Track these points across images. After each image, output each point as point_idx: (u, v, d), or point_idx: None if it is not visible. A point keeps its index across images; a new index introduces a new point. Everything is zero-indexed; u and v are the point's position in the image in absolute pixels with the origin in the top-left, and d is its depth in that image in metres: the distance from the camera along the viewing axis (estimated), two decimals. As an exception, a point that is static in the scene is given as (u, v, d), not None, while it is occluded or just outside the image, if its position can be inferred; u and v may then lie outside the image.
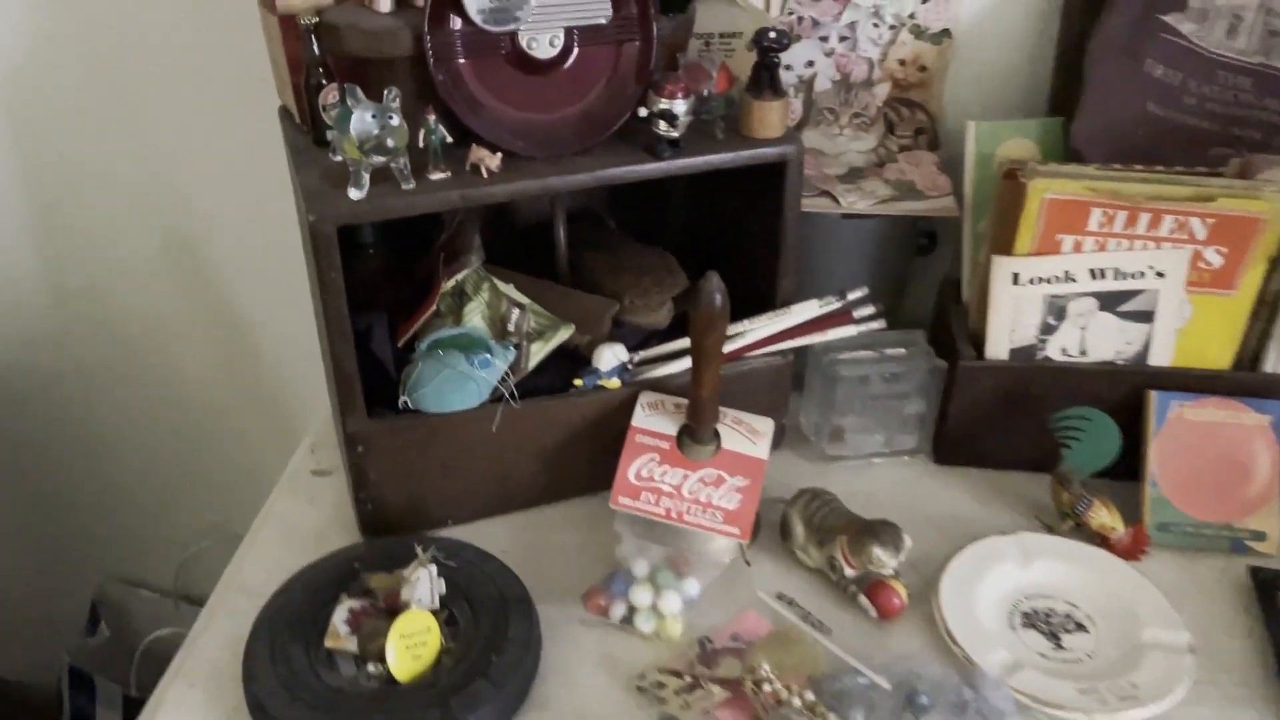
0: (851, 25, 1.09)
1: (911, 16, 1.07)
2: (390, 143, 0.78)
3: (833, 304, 0.97)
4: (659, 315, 1.01)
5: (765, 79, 0.88)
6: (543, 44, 0.85)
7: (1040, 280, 0.94)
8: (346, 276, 0.83)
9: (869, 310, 0.97)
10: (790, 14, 1.09)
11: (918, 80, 1.11)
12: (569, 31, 0.85)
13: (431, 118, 0.81)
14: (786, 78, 1.06)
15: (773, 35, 0.86)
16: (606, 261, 1.04)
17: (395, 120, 0.78)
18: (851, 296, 0.98)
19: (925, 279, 1.16)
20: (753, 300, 0.97)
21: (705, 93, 0.88)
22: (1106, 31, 0.99)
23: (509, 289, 0.97)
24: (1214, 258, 0.92)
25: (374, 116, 0.78)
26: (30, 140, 1.25)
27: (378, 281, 0.98)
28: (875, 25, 1.08)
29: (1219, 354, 0.96)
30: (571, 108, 0.88)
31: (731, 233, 1.05)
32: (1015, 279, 0.94)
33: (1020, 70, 1.10)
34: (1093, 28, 1.00)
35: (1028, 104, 1.10)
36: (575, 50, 0.86)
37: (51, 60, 1.18)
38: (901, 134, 1.11)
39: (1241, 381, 0.95)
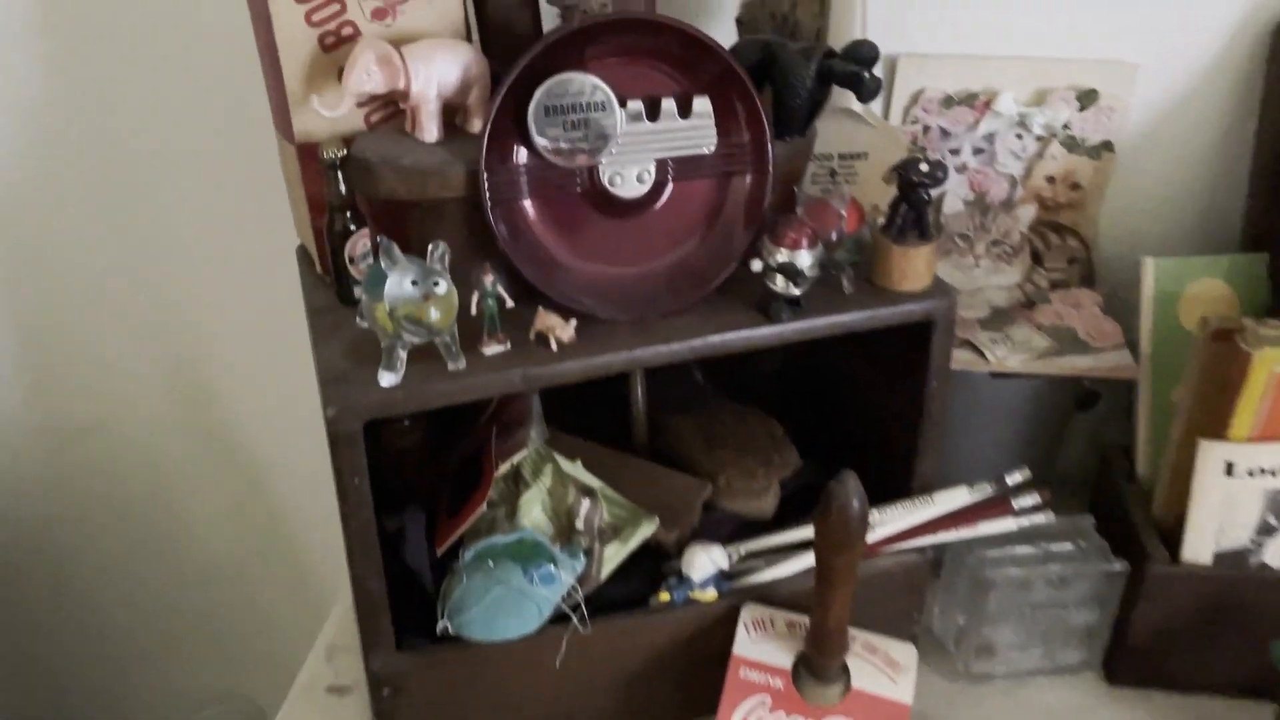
0: (989, 136, 0.90)
1: (1065, 127, 0.88)
2: (434, 315, 0.60)
3: (986, 491, 0.77)
4: (763, 502, 0.81)
5: (909, 219, 0.69)
6: (629, 180, 0.66)
7: (1263, 472, 0.73)
8: (375, 455, 0.65)
9: (1032, 500, 0.77)
10: (914, 123, 0.90)
11: (1068, 201, 0.92)
12: (662, 164, 0.67)
13: (488, 279, 0.63)
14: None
15: (924, 168, 0.67)
16: (697, 430, 0.84)
17: (442, 287, 0.60)
18: (1010, 481, 0.77)
19: (1080, 436, 0.95)
20: (878, 479, 0.76)
21: (834, 237, 0.69)
22: (1326, 150, 0.79)
23: (576, 469, 0.78)
24: None
25: (415, 282, 0.60)
26: (26, 272, 1.09)
27: (413, 463, 0.79)
28: (1019, 137, 0.89)
29: None
30: (663, 259, 0.69)
31: (849, 392, 0.86)
32: (1229, 470, 0.73)
33: (1199, 192, 0.90)
34: (1303, 143, 0.80)
35: (1208, 233, 0.91)
36: (669, 187, 0.68)
37: (51, 190, 1.03)
38: (1051, 266, 0.92)
39: None
